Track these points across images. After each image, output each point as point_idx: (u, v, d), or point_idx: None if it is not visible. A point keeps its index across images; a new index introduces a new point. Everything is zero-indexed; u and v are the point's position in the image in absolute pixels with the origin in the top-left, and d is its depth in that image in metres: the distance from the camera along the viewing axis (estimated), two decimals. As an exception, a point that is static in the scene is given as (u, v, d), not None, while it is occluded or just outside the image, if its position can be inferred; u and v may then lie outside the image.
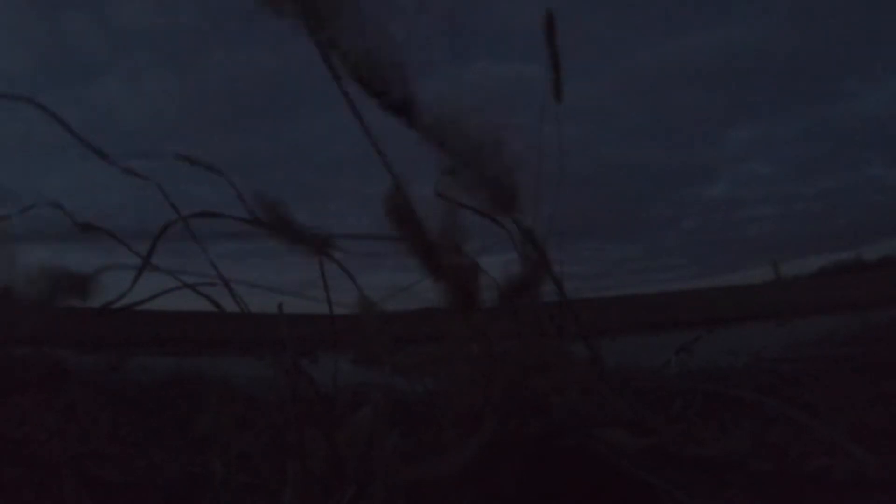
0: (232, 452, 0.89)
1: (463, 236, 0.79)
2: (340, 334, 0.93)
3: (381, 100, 0.64)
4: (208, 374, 1.81)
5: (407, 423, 0.84)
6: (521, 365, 0.78)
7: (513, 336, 0.84)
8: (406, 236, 0.70)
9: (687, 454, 0.82)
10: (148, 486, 0.93)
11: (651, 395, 1.16)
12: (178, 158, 0.93)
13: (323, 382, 0.88)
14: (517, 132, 0.69)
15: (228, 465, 0.88)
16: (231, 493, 0.85)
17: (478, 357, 0.78)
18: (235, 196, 0.92)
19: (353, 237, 0.89)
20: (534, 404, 0.77)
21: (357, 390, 0.96)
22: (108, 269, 0.94)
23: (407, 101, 0.65)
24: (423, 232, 0.71)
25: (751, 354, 2.05)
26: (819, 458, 0.80)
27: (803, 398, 1.12)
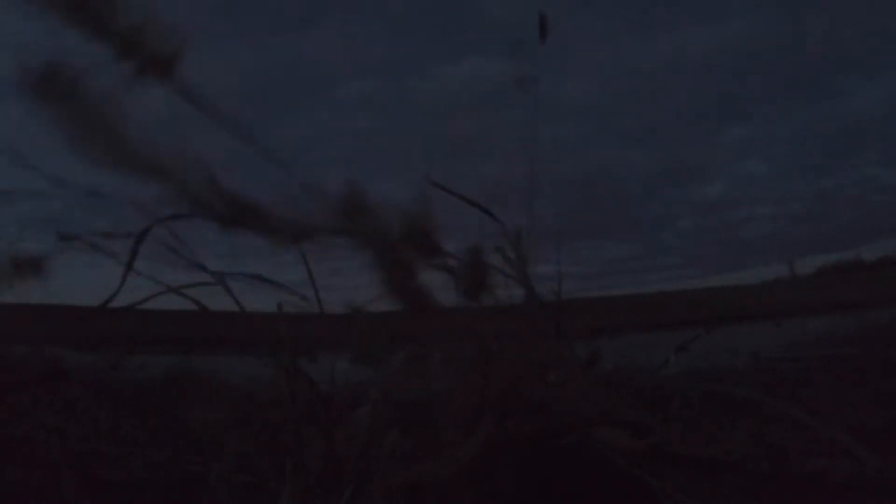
0: (231, 451, 0.89)
1: (438, 230, 0.79)
2: (339, 334, 0.93)
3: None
4: (207, 374, 1.81)
5: (406, 423, 0.84)
6: (519, 365, 0.78)
7: (511, 336, 0.84)
8: (361, 233, 0.70)
9: (686, 454, 0.82)
10: (148, 485, 0.93)
11: (650, 394, 1.16)
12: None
13: (321, 382, 0.88)
14: (511, 130, 0.69)
15: (227, 464, 0.88)
16: (230, 491, 0.85)
17: (476, 357, 0.78)
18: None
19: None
20: (533, 404, 0.77)
21: (355, 390, 0.95)
22: (60, 252, 0.92)
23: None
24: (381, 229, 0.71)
25: (750, 354, 2.05)
26: (819, 458, 0.80)
27: (803, 398, 1.12)
